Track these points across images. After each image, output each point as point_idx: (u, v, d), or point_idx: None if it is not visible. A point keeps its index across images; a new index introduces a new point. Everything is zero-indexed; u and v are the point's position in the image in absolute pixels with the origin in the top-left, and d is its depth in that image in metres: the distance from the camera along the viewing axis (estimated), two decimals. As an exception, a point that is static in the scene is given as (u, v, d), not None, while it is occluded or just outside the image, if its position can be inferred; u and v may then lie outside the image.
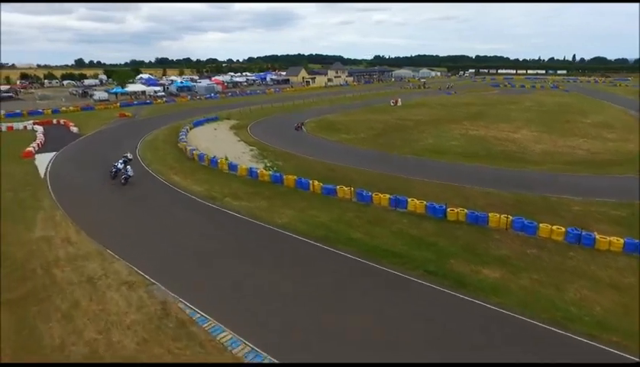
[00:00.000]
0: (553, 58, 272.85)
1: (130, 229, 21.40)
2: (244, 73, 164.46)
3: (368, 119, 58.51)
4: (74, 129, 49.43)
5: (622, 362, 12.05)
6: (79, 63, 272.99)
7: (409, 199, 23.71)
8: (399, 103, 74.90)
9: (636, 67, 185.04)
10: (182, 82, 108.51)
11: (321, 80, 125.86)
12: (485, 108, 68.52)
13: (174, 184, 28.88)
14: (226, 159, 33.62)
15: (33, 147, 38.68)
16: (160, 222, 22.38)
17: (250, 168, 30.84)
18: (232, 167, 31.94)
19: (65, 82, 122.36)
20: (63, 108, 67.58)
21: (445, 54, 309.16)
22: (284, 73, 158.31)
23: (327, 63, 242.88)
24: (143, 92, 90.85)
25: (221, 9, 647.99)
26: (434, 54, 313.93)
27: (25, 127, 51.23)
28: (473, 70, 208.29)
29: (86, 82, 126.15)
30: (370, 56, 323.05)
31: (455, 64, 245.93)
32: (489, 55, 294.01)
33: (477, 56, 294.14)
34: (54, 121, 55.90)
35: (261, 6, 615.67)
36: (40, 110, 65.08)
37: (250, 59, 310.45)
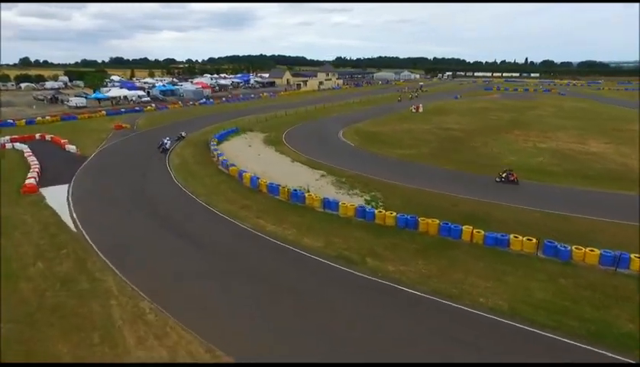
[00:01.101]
0: (505, 61, 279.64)
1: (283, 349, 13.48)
2: (220, 75, 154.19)
3: (408, 129, 52.38)
4: (70, 148, 39.64)
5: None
6: (25, 62, 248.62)
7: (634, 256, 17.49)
8: (420, 109, 69.44)
9: (597, 71, 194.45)
10: (165, 86, 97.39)
11: (313, 83, 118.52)
12: (515, 115, 64.49)
13: (271, 235, 21.04)
14: (311, 192, 26.07)
15: (34, 178, 29.07)
16: (319, 325, 14.28)
17: (362, 208, 23.39)
18: (329, 204, 24.37)
19: (22, 85, 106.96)
20: (39, 118, 56.36)
21: (404, 56, 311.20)
22: (266, 75, 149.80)
23: (291, 64, 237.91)
24: (125, 98, 79.82)
25: (175, 8, 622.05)
26: (395, 56, 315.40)
27: (3, 145, 40.58)
28: (450, 73, 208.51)
29: (47, 84, 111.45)
30: (331, 58, 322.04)
31: (416, 66, 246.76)
32: (446, 57, 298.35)
33: (435, 59, 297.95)
34: (37, 136, 45.18)
35: (218, 5, 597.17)
36: (11, 121, 53.64)
37: (211, 59, 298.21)
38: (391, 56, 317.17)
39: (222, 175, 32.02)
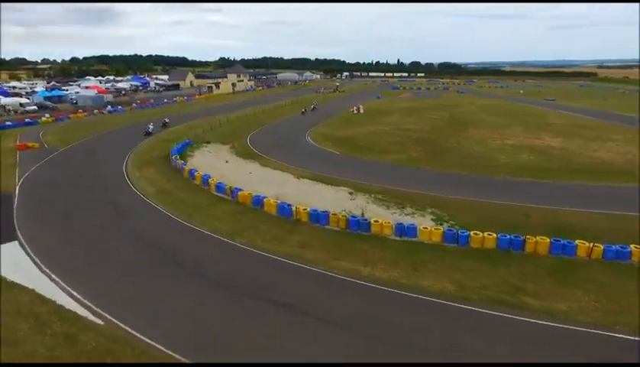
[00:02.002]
0: (379, 62, 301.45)
1: None
2: (105, 77, 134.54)
3: (372, 132, 50.68)
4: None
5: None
6: None
7: None
8: (362, 110, 68.65)
9: (452, 71, 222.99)
10: (51, 91, 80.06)
11: (226, 85, 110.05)
12: (450, 114, 67.54)
13: (378, 282, 16.56)
14: (379, 220, 21.92)
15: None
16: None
17: (452, 232, 20.14)
18: (405, 230, 20.61)
19: None
20: None
21: (288, 57, 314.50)
22: (164, 78, 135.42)
23: (171, 65, 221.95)
24: (3, 107, 63.12)
25: None
26: (279, 56, 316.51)
27: None
28: (348, 73, 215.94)
29: None
30: (215, 58, 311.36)
31: (303, 66, 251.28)
32: (327, 58, 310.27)
33: (317, 59, 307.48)
34: None
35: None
36: None
37: (75, 59, 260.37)
38: (275, 56, 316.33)
39: (227, 202, 25.60)
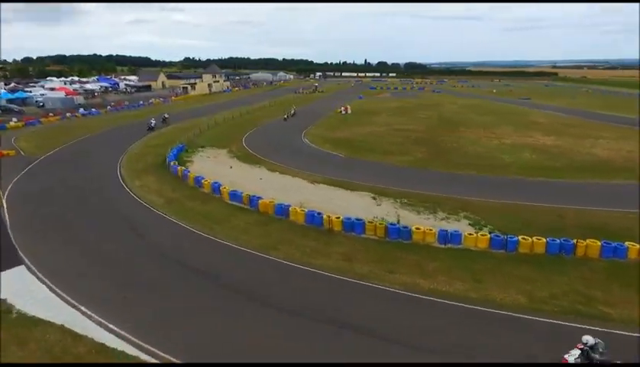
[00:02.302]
0: (346, 62, 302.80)
1: None
2: (70, 78, 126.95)
3: (369, 132, 49.92)
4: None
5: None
6: None
7: None
8: (349, 111, 67.86)
9: (419, 71, 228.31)
10: (13, 93, 74.26)
11: (202, 86, 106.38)
12: (437, 113, 67.91)
13: (468, 302, 15.39)
14: (425, 229, 20.94)
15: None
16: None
17: (499, 238, 19.40)
18: (446, 237, 19.71)
19: None
20: None
21: (255, 57, 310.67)
22: (133, 78, 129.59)
23: (133, 65, 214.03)
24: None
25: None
26: (246, 56, 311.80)
27: None
28: (321, 73, 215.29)
29: None
30: (179, 58, 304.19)
31: (269, 66, 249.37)
32: (287, 58, 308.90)
33: (285, 59, 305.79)
34: None
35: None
36: None
37: (28, 59, 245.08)
38: (242, 56, 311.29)
39: (246, 212, 23.88)
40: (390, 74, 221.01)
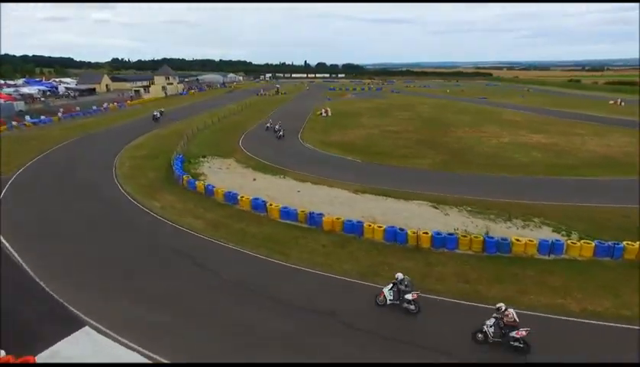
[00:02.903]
0: (285, 63, 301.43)
1: None
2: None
3: (366, 135, 48.33)
4: None
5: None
6: None
7: None
8: (330, 113, 66.24)
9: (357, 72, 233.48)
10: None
11: (156, 89, 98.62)
12: (416, 114, 68.23)
13: (605, 318, 14.16)
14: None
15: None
16: None
17: (599, 245, 18.64)
18: (548, 247, 18.67)
19: None
20: None
21: (190, 58, 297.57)
22: (69, 80, 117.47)
23: (54, 65, 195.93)
24: None
25: None
26: (181, 58, 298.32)
27: None
28: (270, 74, 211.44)
29: None
30: (107, 59, 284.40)
31: (206, 68, 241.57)
32: (224, 59, 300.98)
33: (222, 61, 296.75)
34: None
35: None
36: None
37: None
38: (176, 58, 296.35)
39: (312, 232, 21.21)
40: (339, 75, 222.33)
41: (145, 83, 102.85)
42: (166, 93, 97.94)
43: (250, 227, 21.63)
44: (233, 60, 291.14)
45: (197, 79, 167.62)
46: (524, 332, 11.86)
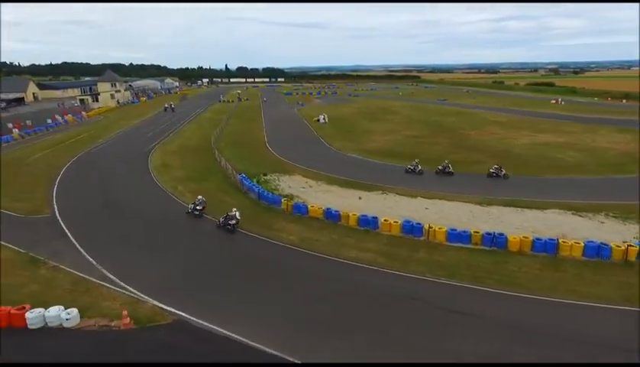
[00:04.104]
0: (202, 67, 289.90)
1: None
2: None
3: (393, 141, 47.20)
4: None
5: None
6: None
7: None
8: (327, 120, 64.19)
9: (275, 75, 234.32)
10: None
11: (105, 97, 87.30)
12: (405, 117, 68.89)
13: None
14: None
15: None
16: None
17: None
18: None
19: None
20: None
21: (96, 62, 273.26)
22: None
23: None
24: None
25: None
26: (85, 62, 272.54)
27: None
28: (207, 80, 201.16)
29: None
30: None
31: (118, 73, 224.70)
32: (135, 63, 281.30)
33: (132, 65, 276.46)
34: None
35: None
36: None
37: None
38: (79, 61, 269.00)
39: (485, 254, 19.17)
40: (279, 79, 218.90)
41: (77, 91, 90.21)
42: (118, 102, 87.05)
43: (419, 254, 19.08)
44: (146, 63, 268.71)
45: (130, 85, 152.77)
46: None
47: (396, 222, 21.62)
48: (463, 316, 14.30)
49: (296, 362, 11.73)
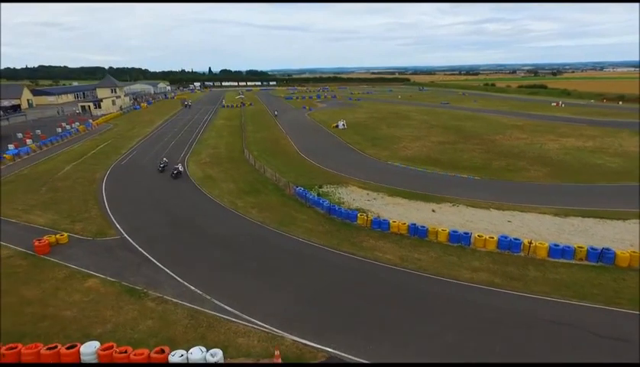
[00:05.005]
0: (184, 70, 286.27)
1: None
2: None
3: (426, 147, 46.80)
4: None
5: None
6: None
7: None
8: (346, 125, 63.55)
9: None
10: None
11: (107, 104, 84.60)
12: (423, 122, 68.76)
13: None
14: None
15: None
16: None
17: None
18: None
19: None
20: None
21: (74, 66, 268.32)
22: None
23: None
24: None
25: None
26: (62, 65, 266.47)
27: None
28: (199, 83, 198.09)
29: None
30: None
31: (97, 76, 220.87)
32: (115, 66, 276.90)
33: (112, 68, 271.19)
34: None
35: None
36: None
37: None
38: (56, 65, 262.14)
39: (588, 269, 18.77)
40: (271, 83, 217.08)
41: (71, 96, 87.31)
42: (121, 108, 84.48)
43: (531, 272, 18.55)
44: (127, 66, 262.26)
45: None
46: None
47: (492, 237, 20.99)
48: (625, 343, 13.69)
49: None
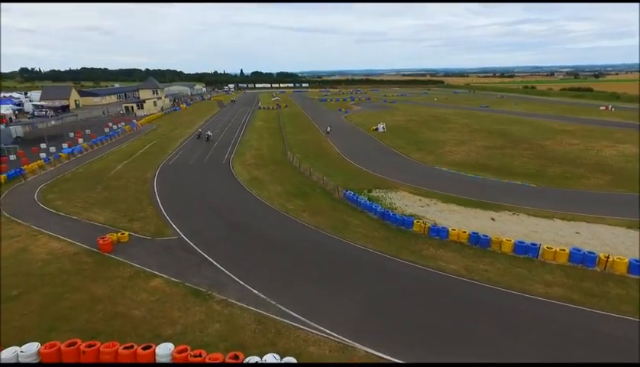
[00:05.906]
0: (216, 71, 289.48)
1: None
2: None
3: (474, 152, 45.28)
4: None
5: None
6: None
7: None
8: (385, 128, 62.57)
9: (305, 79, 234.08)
10: None
11: (149, 105, 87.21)
12: (467, 126, 66.76)
13: None
14: None
15: None
16: None
17: None
18: None
19: None
20: None
21: (114, 68, 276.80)
22: (26, 95, 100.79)
23: None
24: None
25: None
26: (102, 67, 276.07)
27: None
28: (233, 85, 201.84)
29: None
30: (11, 69, 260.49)
31: (133, 78, 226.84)
32: (151, 68, 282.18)
33: (149, 70, 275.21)
34: None
35: None
36: None
37: None
38: (97, 67, 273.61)
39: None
40: (304, 85, 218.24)
41: (114, 97, 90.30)
42: (162, 109, 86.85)
43: (612, 288, 17.23)
44: (162, 68, 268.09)
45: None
46: None
47: (563, 250, 19.76)
48: None
49: None
